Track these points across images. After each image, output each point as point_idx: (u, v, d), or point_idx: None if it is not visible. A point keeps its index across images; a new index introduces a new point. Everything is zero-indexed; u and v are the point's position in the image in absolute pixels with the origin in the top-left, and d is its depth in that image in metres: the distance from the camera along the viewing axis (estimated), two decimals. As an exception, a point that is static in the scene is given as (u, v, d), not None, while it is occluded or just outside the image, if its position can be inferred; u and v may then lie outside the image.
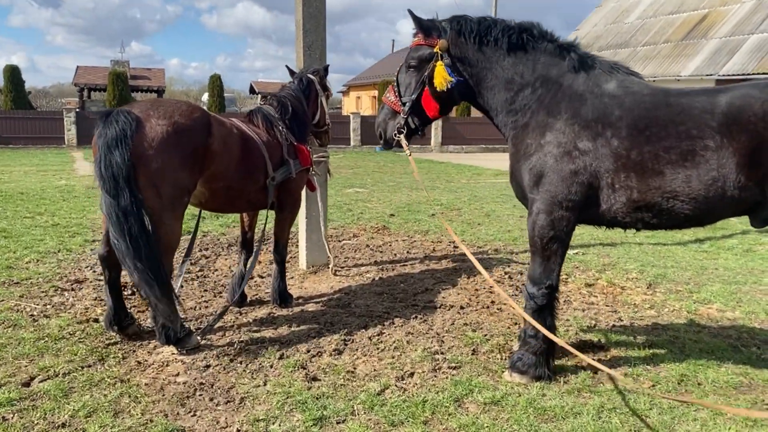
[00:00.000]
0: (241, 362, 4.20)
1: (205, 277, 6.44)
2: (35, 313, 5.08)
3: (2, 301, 5.36)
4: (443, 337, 4.71)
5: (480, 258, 7.29)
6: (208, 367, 4.13)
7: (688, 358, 4.37)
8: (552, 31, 3.85)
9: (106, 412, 3.46)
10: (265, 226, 5.30)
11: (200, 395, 3.74)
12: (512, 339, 4.67)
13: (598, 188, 3.62)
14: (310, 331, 4.80)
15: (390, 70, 41.13)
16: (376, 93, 39.70)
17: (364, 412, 3.52)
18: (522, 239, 8.49)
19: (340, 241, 8.24)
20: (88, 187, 12.90)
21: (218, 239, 8.22)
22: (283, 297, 5.44)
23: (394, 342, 4.57)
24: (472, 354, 4.39)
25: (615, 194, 3.59)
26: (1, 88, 31.62)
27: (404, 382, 3.93)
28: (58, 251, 7.25)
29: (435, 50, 3.80)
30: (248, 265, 5.31)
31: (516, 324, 5.04)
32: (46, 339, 4.49)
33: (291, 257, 6.93)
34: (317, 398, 3.67)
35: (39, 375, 3.90)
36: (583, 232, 8.67)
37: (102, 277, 6.03)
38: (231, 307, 5.27)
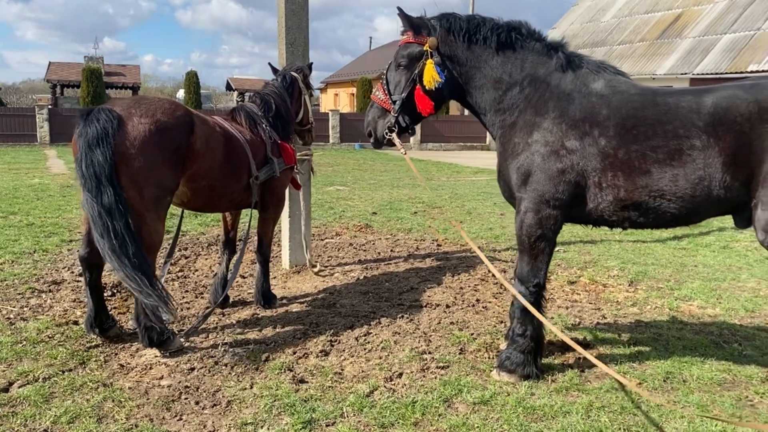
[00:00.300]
0: (226, 365, 4.14)
1: (185, 277, 6.34)
2: (12, 316, 4.95)
3: (-23, 303, 5.22)
4: (430, 336, 4.69)
5: (463, 256, 7.29)
6: (192, 369, 4.06)
7: (673, 355, 4.41)
8: (540, 30, 3.85)
9: (90, 417, 3.38)
10: (249, 226, 5.23)
11: (186, 399, 3.67)
12: (499, 338, 4.67)
13: (586, 187, 3.63)
14: (295, 332, 4.75)
15: (368, 68, 41.04)
16: (354, 90, 39.59)
17: (354, 414, 3.48)
18: (504, 237, 8.51)
19: (322, 239, 8.19)
20: (63, 186, 12.66)
21: (197, 239, 8.11)
22: (266, 297, 5.38)
23: (381, 342, 4.54)
24: (460, 353, 4.38)
25: (602, 193, 3.60)
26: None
27: (393, 382, 3.90)
28: (34, 252, 7.09)
29: (425, 48, 3.78)
30: (233, 266, 5.24)
31: (502, 322, 5.04)
32: (24, 343, 4.37)
33: (273, 257, 6.86)
34: (305, 401, 3.63)
35: (18, 380, 3.79)
36: (563, 230, 8.72)
37: (81, 278, 5.95)
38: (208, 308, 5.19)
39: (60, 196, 11.35)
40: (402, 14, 3.83)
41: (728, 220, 3.88)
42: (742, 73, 18.92)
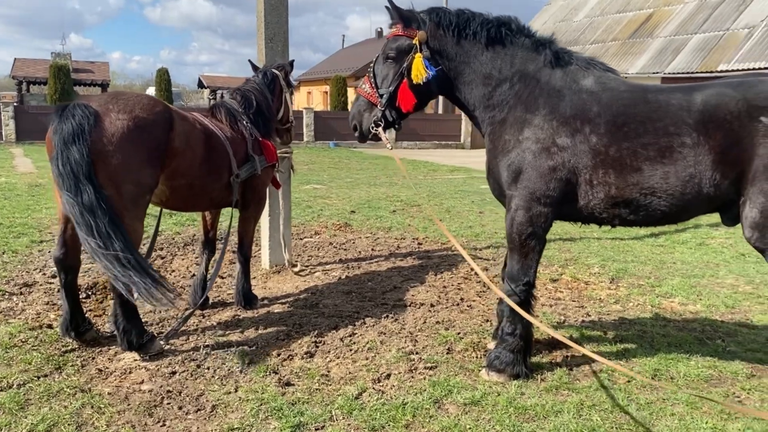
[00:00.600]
0: (208, 368, 4.02)
1: (157, 272, 6.16)
2: (-18, 319, 4.76)
3: (-56, 307, 5.01)
4: (416, 336, 4.63)
5: (445, 255, 7.25)
6: (174, 373, 3.94)
7: (659, 353, 4.42)
8: (529, 26, 3.81)
9: (68, 425, 3.25)
10: (229, 225, 5.11)
11: (168, 404, 3.55)
12: (485, 337, 4.63)
13: (577, 184, 3.60)
14: (278, 334, 4.65)
15: (342, 66, 40.82)
16: (327, 88, 39.35)
17: (343, 417, 3.41)
18: (484, 235, 8.50)
19: (301, 239, 8.07)
20: (31, 185, 12.32)
21: (173, 239, 7.93)
22: (247, 298, 5.26)
23: (367, 343, 4.46)
24: (447, 353, 4.33)
25: (593, 190, 3.57)
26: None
27: (381, 384, 3.83)
28: (3, 253, 6.85)
29: (414, 42, 3.71)
30: (214, 267, 5.11)
31: (487, 321, 5.01)
32: (-4, 348, 4.20)
33: (252, 256, 6.73)
34: (293, 404, 3.54)
35: (-9, 387, 3.64)
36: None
37: (54, 280, 5.76)
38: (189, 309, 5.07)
39: (28, 196, 11.03)
40: (392, 6, 3.76)
41: (703, 218, 3.89)
42: (712, 72, 19.24)
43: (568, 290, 6.06)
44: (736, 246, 8.30)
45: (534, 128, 3.61)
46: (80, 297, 4.68)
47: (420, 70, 3.66)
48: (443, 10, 3.79)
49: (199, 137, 4.45)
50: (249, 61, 5.63)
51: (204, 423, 3.35)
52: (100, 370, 3.96)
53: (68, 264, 4.19)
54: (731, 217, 3.56)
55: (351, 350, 4.35)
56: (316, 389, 3.74)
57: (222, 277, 6.17)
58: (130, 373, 3.95)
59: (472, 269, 6.66)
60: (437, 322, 4.93)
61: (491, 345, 4.39)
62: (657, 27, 23.37)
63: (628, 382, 3.93)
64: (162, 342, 4.33)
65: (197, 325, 4.81)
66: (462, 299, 5.59)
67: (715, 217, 3.72)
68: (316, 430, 3.29)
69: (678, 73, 20.23)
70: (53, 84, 29.67)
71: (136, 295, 3.80)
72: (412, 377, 3.93)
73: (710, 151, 3.32)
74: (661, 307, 5.60)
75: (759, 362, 4.32)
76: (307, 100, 46.55)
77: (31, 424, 3.23)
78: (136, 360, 4.11)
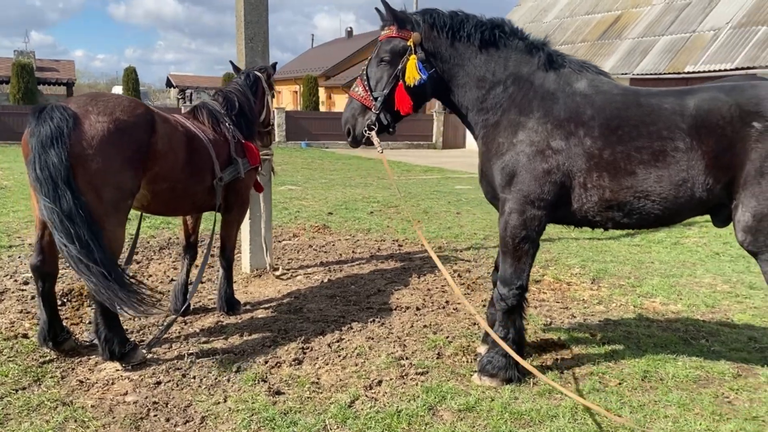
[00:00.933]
0: (194, 377, 3.91)
1: (139, 284, 6.00)
2: (-48, 330, 4.56)
3: None
4: (405, 341, 4.58)
5: (426, 256, 7.21)
6: (158, 383, 3.82)
7: (646, 354, 4.44)
8: (522, 29, 3.78)
9: (51, 441, 3.11)
10: (213, 229, 4.99)
11: (155, 416, 3.44)
12: (474, 340, 4.60)
13: (571, 187, 3.59)
14: (264, 340, 4.55)
15: (311, 66, 40.58)
16: (297, 88, 39.11)
17: (338, 427, 3.33)
18: (463, 236, 8.49)
19: (280, 241, 7.96)
20: (-4, 187, 11.93)
21: (148, 242, 7.74)
22: (230, 304, 5.15)
23: (356, 348, 4.39)
24: (437, 358, 4.29)
25: (587, 193, 3.56)
26: None
27: (373, 391, 3.77)
28: (-30, 259, 6.60)
29: (408, 43, 3.65)
30: (197, 272, 4.99)
31: (475, 324, 4.98)
32: (-31, 360, 4.03)
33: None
34: (285, 414, 3.45)
35: (-34, 402, 3.47)
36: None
37: (26, 287, 5.56)
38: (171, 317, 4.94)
39: (-6, 198, 10.67)
40: (387, 7, 3.69)
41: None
42: (679, 73, 19.61)
43: (551, 291, 6.07)
44: (710, 245, 8.45)
45: (528, 131, 3.58)
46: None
47: (415, 73, 3.60)
48: (437, 11, 3.74)
49: (182, 140, 4.33)
50: (230, 62, 5.52)
51: (194, 435, 3.24)
52: (81, 382, 3.81)
53: (45, 271, 4.04)
54: (722, 219, 3.59)
55: (340, 356, 4.28)
56: (308, 398, 3.66)
57: (201, 282, 6.04)
58: (112, 384, 3.81)
59: (455, 271, 6.64)
60: (425, 326, 4.88)
61: (481, 349, 4.36)
62: (625, 28, 23.72)
63: (619, 384, 3.94)
64: (144, 351, 4.21)
65: (179, 333, 4.69)
66: (447, 302, 5.56)
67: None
68: (310, 440, 3.22)
69: (646, 74, 20.57)
70: (16, 83, 28.87)
71: (118, 307, 3.67)
72: (404, 383, 3.88)
73: (703, 156, 3.34)
74: (644, 307, 5.65)
75: (744, 362, 4.37)
76: (277, 99, 46.21)
77: (12, 441, 3.09)
78: (118, 370, 3.98)
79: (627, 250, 8.02)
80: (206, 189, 4.63)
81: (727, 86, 3.42)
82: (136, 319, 4.91)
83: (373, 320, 4.99)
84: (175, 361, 4.12)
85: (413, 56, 3.63)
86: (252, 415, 3.43)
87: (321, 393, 3.73)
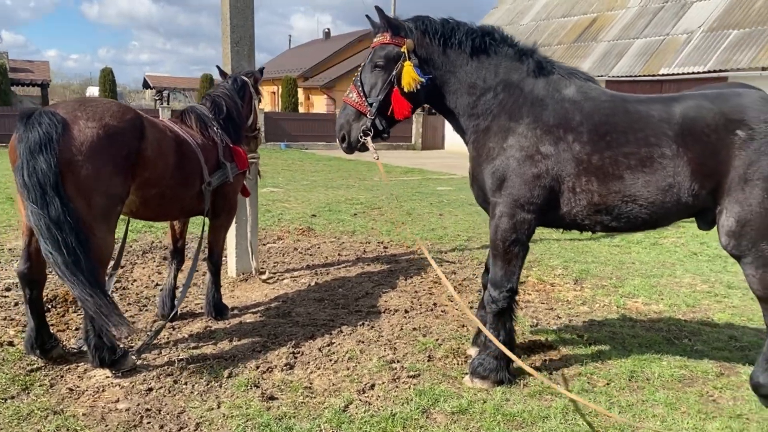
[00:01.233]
0: (186, 383, 3.90)
1: (125, 289, 5.96)
2: (-66, 338, 4.48)
3: None
4: (395, 344, 4.61)
5: (412, 258, 7.26)
6: (150, 390, 3.80)
7: (631, 354, 4.53)
8: (512, 35, 3.84)
9: (45, 451, 3.08)
10: (202, 234, 4.97)
11: (149, 423, 3.42)
12: (464, 343, 4.64)
13: (560, 192, 3.65)
14: (254, 345, 4.54)
15: (289, 66, 40.42)
16: (275, 89, 38.91)
17: (333, 431, 3.35)
18: (447, 238, 8.55)
19: (264, 244, 7.93)
20: (-30, 191, 11.71)
21: (131, 246, 7.66)
22: (218, 309, 5.13)
23: (347, 352, 4.41)
24: (428, 360, 4.32)
25: (576, 197, 3.63)
26: None
27: (366, 395, 3.79)
28: (-51, 265, 6.49)
29: (402, 50, 3.69)
30: (186, 277, 4.96)
31: (464, 326, 5.03)
32: (-46, 369, 3.96)
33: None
34: (279, 419, 3.46)
35: (-46, 412, 3.42)
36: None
37: (8, 293, 5.48)
38: (160, 322, 4.91)
39: (-31, 202, 10.48)
40: (381, 14, 3.73)
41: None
42: (654, 75, 19.95)
43: (536, 292, 6.15)
44: (688, 245, 8.62)
45: (518, 136, 3.64)
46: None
47: (411, 78, 3.64)
48: (428, 18, 3.78)
49: (171, 145, 4.32)
50: (217, 66, 5.50)
51: (189, 442, 3.24)
52: (71, 390, 3.78)
53: (33, 278, 3.99)
54: (707, 222, 3.68)
55: (331, 360, 4.29)
56: (302, 402, 3.67)
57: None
58: (103, 391, 3.79)
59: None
60: (414, 329, 4.92)
61: (471, 351, 4.41)
62: (601, 31, 24.05)
63: (607, 384, 4.02)
64: (134, 357, 4.18)
65: (168, 338, 4.66)
66: (435, 304, 5.61)
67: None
68: (307, 445, 3.23)
69: (622, 77, 20.88)
70: (-12, 83, 28.28)
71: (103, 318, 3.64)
72: (397, 387, 3.91)
73: (689, 162, 3.42)
74: (627, 307, 5.75)
75: (726, 360, 4.48)
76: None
77: (5, 451, 3.06)
78: (108, 377, 3.95)
79: (607, 251, 8.15)
80: (195, 194, 4.61)
81: (711, 94, 3.52)
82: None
83: (363, 323, 5.01)
84: (166, 368, 4.10)
85: (408, 62, 3.67)
86: (247, 420, 3.43)
87: (314, 398, 3.75)
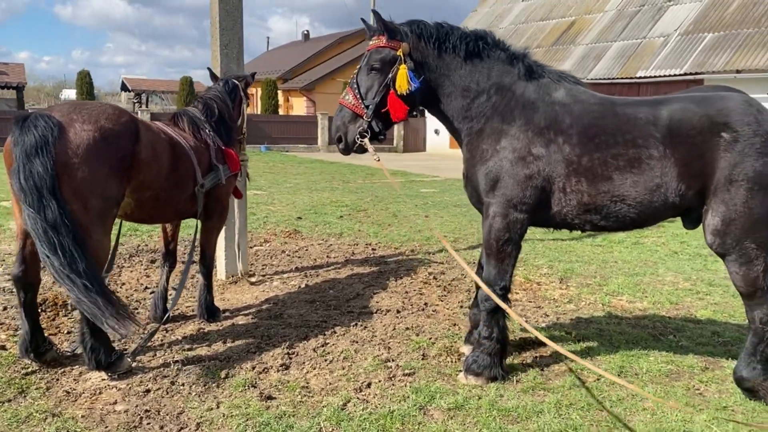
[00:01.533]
0: (183, 384, 3.92)
1: (113, 292, 5.93)
2: (-75, 343, 4.45)
3: None
4: (389, 343, 4.67)
5: (401, 259, 7.33)
6: (147, 392, 3.81)
7: (619, 350, 4.64)
8: (504, 40, 3.94)
9: (46, 453, 3.09)
10: (195, 237, 4.99)
11: (149, 424, 3.44)
12: (456, 341, 4.72)
13: (551, 192, 3.75)
14: (248, 346, 4.57)
15: (268, 68, 40.31)
16: (254, 91, 38.76)
17: (333, 429, 3.40)
18: (434, 239, 8.63)
19: (251, 247, 7.94)
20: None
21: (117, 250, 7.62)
22: (211, 311, 5.15)
23: (341, 352, 4.46)
24: (423, 359, 4.39)
25: (566, 197, 3.73)
26: None
27: (363, 393, 3.85)
28: (-67, 270, 6.41)
29: (398, 53, 3.76)
30: (180, 280, 4.98)
31: (455, 325, 5.11)
32: (-52, 374, 3.94)
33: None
34: (279, 418, 3.50)
35: (-49, 416, 3.41)
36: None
37: (3, 298, 5.44)
38: (153, 325, 4.92)
39: (-52, 207, 10.32)
40: (378, 18, 3.80)
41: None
42: (632, 78, 20.29)
43: (523, 291, 6.26)
44: (668, 244, 8.81)
45: (510, 138, 3.73)
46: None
47: (405, 81, 3.72)
48: (423, 22, 3.86)
49: (165, 147, 4.34)
50: (208, 69, 5.53)
51: (191, 442, 3.27)
52: (68, 392, 3.78)
53: (28, 282, 3.99)
54: (692, 221, 3.81)
55: (326, 360, 4.34)
56: (300, 402, 3.72)
57: (175, 289, 6.00)
58: (100, 393, 3.79)
59: (430, 274, 6.76)
60: (407, 329, 4.98)
61: (464, 349, 4.49)
62: (579, 34, 24.38)
63: (597, 380, 4.12)
64: (129, 359, 4.19)
65: (162, 341, 4.67)
66: (426, 304, 5.68)
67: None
68: (308, 443, 3.28)
69: (600, 79, 21.19)
70: (-39, 86, 27.83)
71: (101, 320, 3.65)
72: (393, 385, 3.97)
73: (676, 163, 3.54)
74: (612, 305, 5.88)
75: (710, 355, 4.61)
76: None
77: (6, 453, 3.06)
78: (104, 379, 3.95)
79: (591, 251, 8.30)
80: (188, 196, 4.64)
81: (697, 97, 3.64)
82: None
83: (356, 324, 5.07)
84: (162, 369, 4.11)
85: (403, 65, 3.74)
86: (247, 420, 3.46)
87: (312, 397, 3.79)
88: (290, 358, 4.37)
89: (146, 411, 3.57)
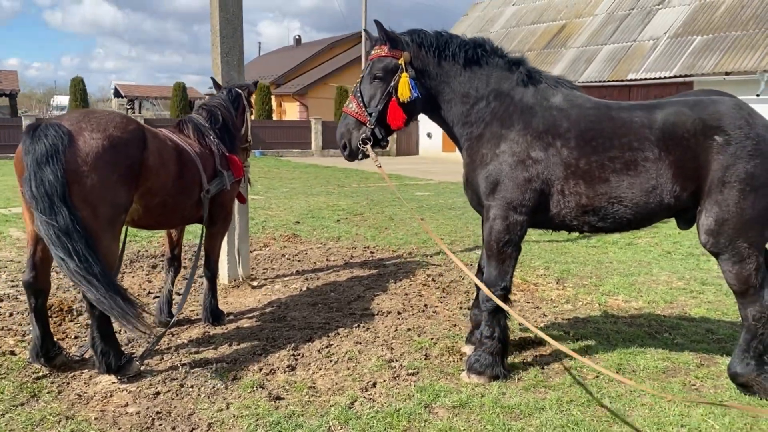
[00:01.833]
0: (192, 386, 4.00)
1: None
2: (-66, 350, 4.50)
3: None
4: (392, 344, 4.77)
5: (399, 262, 7.43)
6: (158, 394, 3.89)
7: (616, 348, 4.76)
8: (501, 46, 4.05)
9: (63, 454, 3.17)
10: (201, 241, 5.07)
11: (161, 425, 3.52)
12: (458, 341, 4.82)
13: (549, 194, 3.87)
14: (254, 349, 4.66)
15: (260, 73, 40.39)
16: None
17: (341, 427, 3.50)
18: (430, 242, 8.74)
19: (251, 251, 8.02)
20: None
21: (117, 255, 7.68)
22: (215, 315, 5.23)
23: (346, 353, 4.56)
24: (425, 359, 4.49)
25: (565, 200, 3.85)
26: None
27: (369, 392, 3.94)
28: (-64, 277, 6.45)
29: (400, 62, 3.87)
30: (185, 284, 5.05)
31: (456, 326, 5.21)
32: (-40, 379, 4.01)
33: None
34: (288, 417, 3.59)
35: (-33, 420, 3.48)
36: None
37: (1, 305, 5.50)
38: (158, 328, 5.00)
39: (-54, 214, 10.35)
40: (381, 28, 3.91)
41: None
42: (622, 81, 20.51)
43: (521, 292, 6.37)
44: (662, 245, 8.95)
45: (510, 142, 3.85)
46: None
47: (407, 89, 3.83)
48: (423, 31, 3.98)
49: (172, 154, 4.43)
50: (211, 78, 5.63)
51: (203, 442, 3.35)
52: (80, 395, 3.86)
53: (38, 287, 4.07)
54: (686, 221, 3.93)
55: (331, 361, 4.43)
56: (308, 401, 3.81)
57: (179, 294, 6.07)
58: (111, 396, 3.87)
59: (429, 275, 6.86)
60: (408, 329, 5.08)
61: (465, 349, 4.59)
62: (570, 38, 24.61)
63: (596, 377, 4.23)
64: (138, 363, 4.26)
65: (169, 344, 4.75)
66: (426, 305, 5.78)
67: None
68: (317, 441, 3.37)
69: (591, 82, 21.40)
70: (-47, 93, 27.73)
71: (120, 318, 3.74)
72: (398, 384, 4.07)
73: (670, 165, 3.67)
74: (608, 305, 6.00)
75: (704, 352, 4.73)
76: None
77: (25, 455, 3.13)
78: (113, 383, 4.03)
79: (586, 252, 8.42)
80: (194, 202, 4.73)
81: (691, 101, 3.77)
82: (124, 332, 4.94)
83: (358, 325, 5.16)
84: (170, 372, 4.19)
85: (405, 74, 3.86)
86: (257, 420, 3.55)
87: (320, 396, 3.89)
88: (296, 360, 4.46)
89: (158, 413, 3.65)
